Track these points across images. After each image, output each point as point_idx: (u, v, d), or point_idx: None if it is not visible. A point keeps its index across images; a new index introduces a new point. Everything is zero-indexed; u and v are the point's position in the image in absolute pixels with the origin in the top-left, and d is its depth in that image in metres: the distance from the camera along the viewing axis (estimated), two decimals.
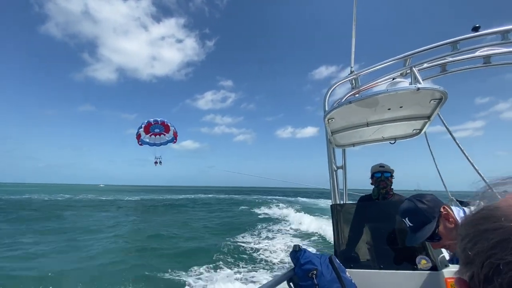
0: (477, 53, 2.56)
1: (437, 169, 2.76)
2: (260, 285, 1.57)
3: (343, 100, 2.61)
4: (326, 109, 2.74)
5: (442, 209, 1.40)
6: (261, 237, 13.95)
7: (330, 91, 2.93)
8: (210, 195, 64.55)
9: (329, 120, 2.59)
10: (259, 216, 22.81)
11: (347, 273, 1.89)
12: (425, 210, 1.40)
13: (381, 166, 2.94)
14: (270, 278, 1.68)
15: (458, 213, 1.45)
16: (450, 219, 1.39)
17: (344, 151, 3.37)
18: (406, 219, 1.47)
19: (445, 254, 1.98)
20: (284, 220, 20.47)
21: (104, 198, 45.41)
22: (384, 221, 2.38)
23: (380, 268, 2.08)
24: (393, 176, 2.90)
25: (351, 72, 2.77)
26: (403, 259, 2.06)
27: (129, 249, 11.18)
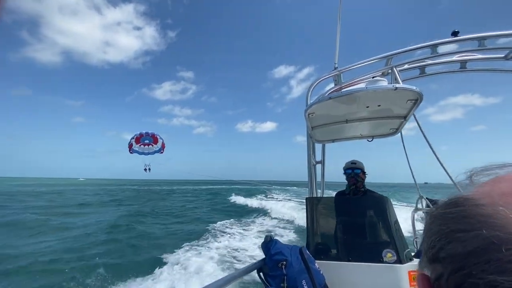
0: (455, 58, 2.64)
1: (409, 166, 2.88)
2: (229, 273, 1.58)
3: (325, 95, 2.63)
4: (308, 103, 2.75)
5: None
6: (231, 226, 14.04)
7: (313, 86, 2.94)
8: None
9: (310, 115, 2.60)
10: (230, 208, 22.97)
11: (316, 264, 1.94)
12: None
13: (353, 163, 2.97)
14: (240, 267, 1.69)
15: None
16: None
17: (323, 146, 3.41)
18: None
19: (410, 248, 2.08)
20: (249, 211, 20.69)
21: None
22: (356, 216, 2.46)
23: (349, 260, 2.15)
24: (365, 172, 2.94)
25: (335, 68, 2.78)
26: (371, 252, 2.15)
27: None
